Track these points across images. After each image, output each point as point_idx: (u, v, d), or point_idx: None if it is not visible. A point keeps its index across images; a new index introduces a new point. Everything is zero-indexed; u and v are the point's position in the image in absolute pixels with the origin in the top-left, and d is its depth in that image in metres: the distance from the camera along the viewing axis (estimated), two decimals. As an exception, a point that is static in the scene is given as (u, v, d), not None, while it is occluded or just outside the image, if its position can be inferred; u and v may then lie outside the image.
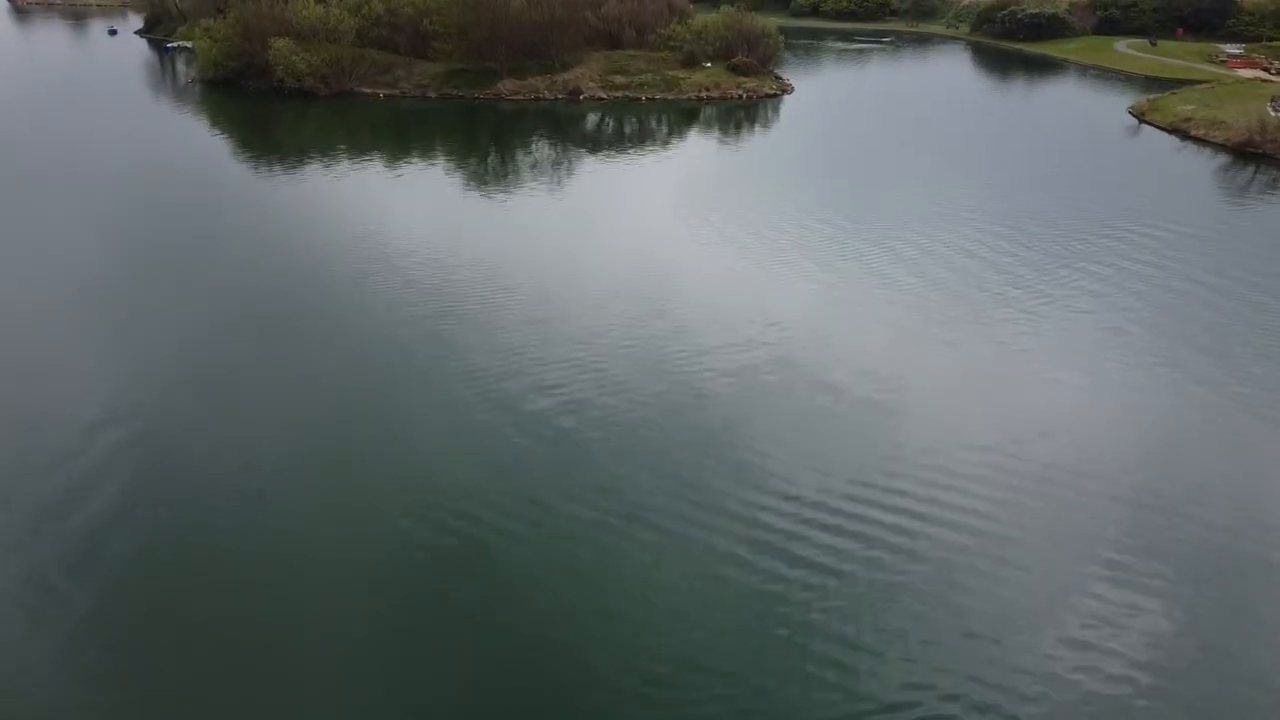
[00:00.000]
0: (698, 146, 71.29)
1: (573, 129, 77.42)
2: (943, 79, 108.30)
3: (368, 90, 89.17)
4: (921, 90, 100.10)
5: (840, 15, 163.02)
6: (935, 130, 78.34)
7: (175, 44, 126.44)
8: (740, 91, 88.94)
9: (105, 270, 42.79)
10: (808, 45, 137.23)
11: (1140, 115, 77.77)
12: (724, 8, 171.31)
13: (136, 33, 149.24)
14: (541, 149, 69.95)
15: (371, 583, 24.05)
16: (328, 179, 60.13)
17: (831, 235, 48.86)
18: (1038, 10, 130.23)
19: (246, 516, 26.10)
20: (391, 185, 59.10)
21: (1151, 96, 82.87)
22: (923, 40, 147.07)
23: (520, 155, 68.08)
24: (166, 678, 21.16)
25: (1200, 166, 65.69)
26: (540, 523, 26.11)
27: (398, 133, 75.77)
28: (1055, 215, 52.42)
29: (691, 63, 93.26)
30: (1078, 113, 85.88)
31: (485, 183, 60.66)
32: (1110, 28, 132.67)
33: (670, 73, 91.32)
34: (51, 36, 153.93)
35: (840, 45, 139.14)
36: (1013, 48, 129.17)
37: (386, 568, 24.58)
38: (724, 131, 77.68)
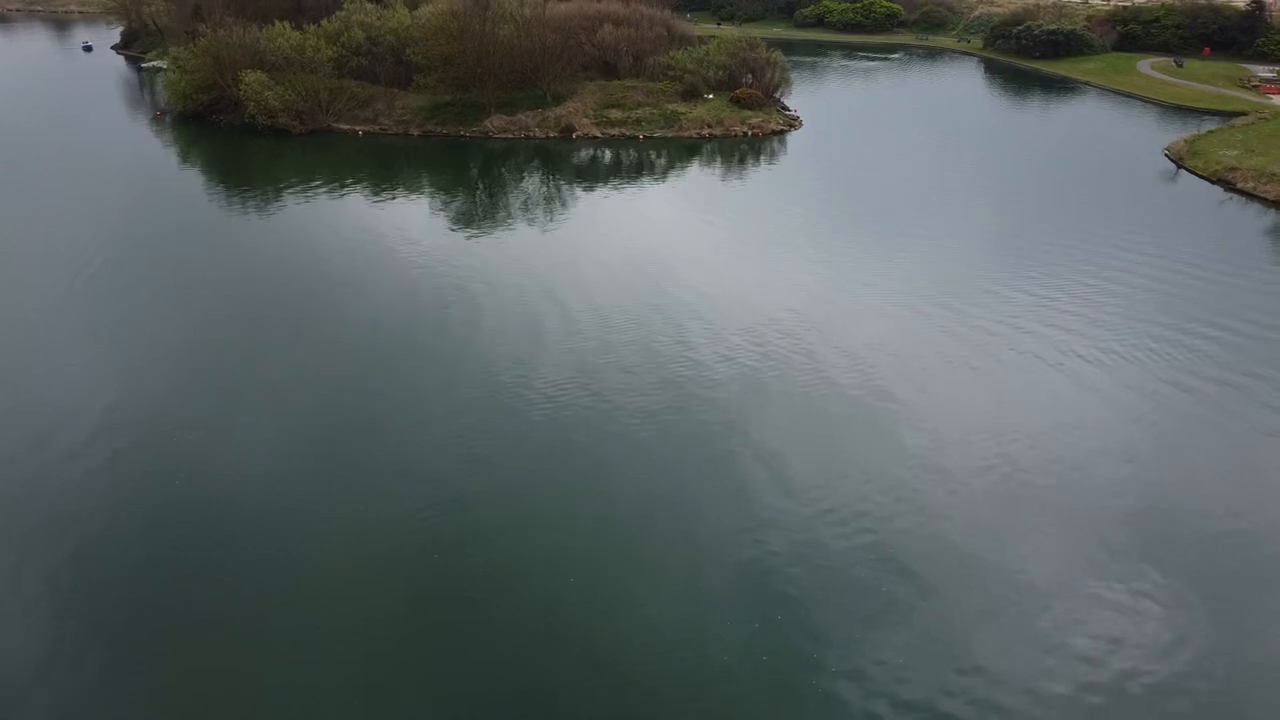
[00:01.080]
0: (698, 197, 65.32)
1: (564, 177, 71.46)
2: (958, 107, 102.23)
3: (345, 126, 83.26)
4: (935, 121, 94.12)
5: (846, 27, 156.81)
6: (953, 172, 72.54)
7: (150, 64, 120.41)
8: (744, 128, 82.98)
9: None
10: (812, 63, 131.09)
11: (1179, 161, 71.81)
12: (725, 25, 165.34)
13: (113, 48, 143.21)
14: (533, 201, 64.00)
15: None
16: (298, 232, 55.96)
17: (848, 290, 47.14)
18: (1055, 26, 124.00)
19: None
20: (373, 237, 54.05)
21: (1188, 136, 76.91)
22: (933, 55, 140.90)
23: (514, 210, 62.11)
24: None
25: (1249, 226, 59.93)
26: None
27: (376, 177, 69.66)
28: (1094, 283, 48.41)
29: (692, 95, 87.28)
30: (1108, 151, 79.94)
31: (475, 232, 55.02)
32: (1131, 44, 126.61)
33: (669, 106, 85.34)
34: (24, 50, 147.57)
35: (846, 63, 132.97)
36: (1029, 66, 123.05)
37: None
38: (726, 175, 71.68)
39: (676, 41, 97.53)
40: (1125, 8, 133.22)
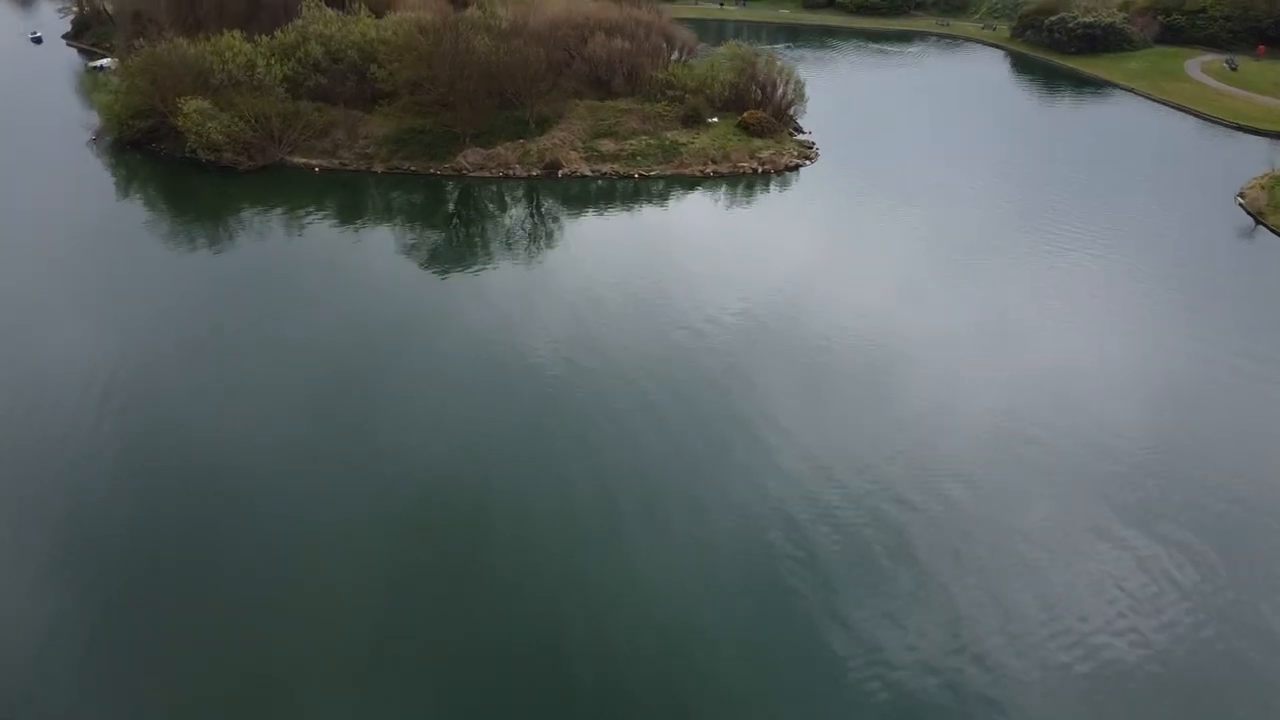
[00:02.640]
0: (699, 250, 55.83)
1: (550, 239, 61.90)
2: (988, 121, 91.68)
3: (301, 160, 73.25)
4: (964, 139, 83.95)
5: (860, 10, 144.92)
6: (993, 208, 63.27)
7: (97, 64, 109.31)
8: (753, 163, 72.90)
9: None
10: (823, 58, 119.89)
11: (1258, 215, 62.10)
12: (728, 6, 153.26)
13: (64, 37, 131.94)
14: (522, 265, 54.67)
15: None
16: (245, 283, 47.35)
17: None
18: (1092, 19, 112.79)
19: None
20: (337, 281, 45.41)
21: (1264, 179, 66.89)
22: (955, 46, 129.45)
23: (502, 273, 52.87)
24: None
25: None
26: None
27: (337, 220, 60.18)
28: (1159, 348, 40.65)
29: (694, 120, 77.14)
30: (1168, 188, 70.20)
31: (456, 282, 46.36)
32: (1175, 37, 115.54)
33: (669, 135, 75.25)
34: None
35: (860, 58, 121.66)
36: (1063, 65, 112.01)
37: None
38: (729, 225, 62.03)
39: (677, 50, 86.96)
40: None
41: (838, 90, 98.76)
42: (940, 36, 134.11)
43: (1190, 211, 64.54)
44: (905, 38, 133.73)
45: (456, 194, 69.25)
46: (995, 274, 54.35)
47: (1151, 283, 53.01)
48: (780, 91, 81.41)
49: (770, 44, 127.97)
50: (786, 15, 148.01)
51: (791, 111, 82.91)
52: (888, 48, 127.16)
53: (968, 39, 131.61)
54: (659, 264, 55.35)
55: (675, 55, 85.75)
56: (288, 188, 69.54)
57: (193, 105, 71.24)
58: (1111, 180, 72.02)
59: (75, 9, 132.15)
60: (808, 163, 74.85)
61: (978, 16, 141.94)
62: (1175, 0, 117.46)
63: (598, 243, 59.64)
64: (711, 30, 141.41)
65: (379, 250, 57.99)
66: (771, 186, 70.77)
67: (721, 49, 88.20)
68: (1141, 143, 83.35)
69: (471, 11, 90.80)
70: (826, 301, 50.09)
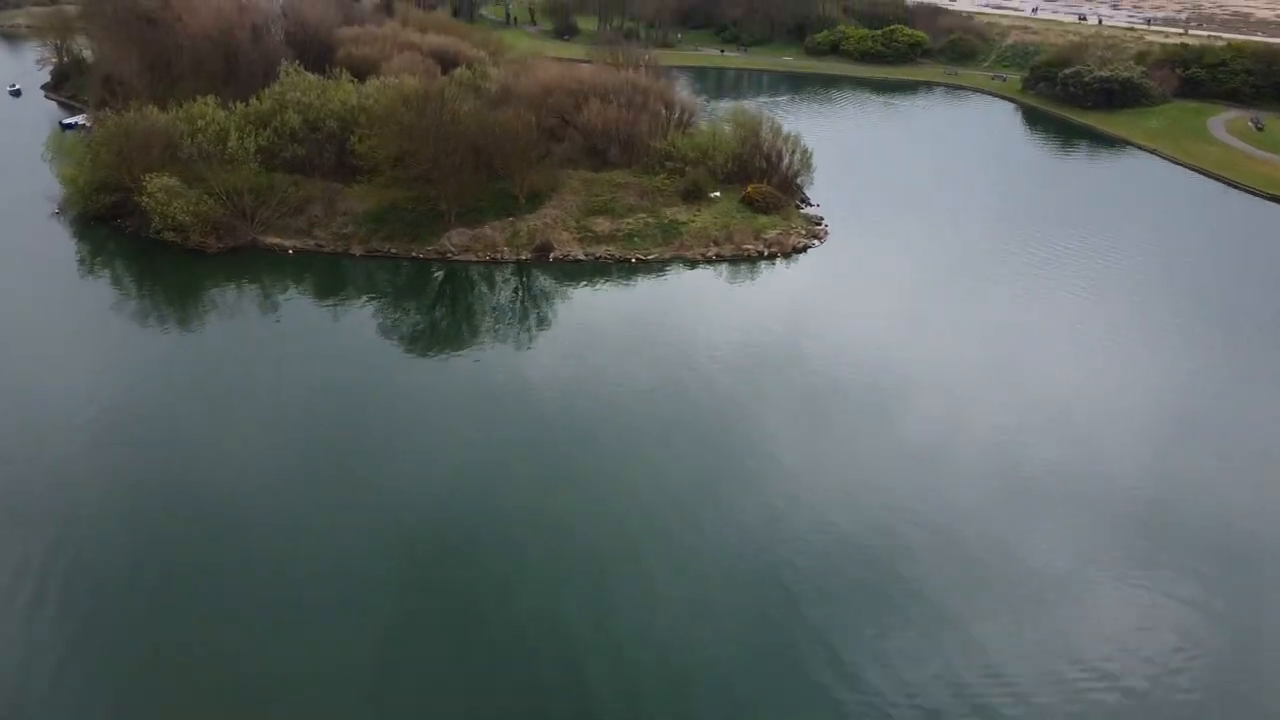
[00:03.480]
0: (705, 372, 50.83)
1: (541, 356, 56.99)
2: (1003, 184, 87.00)
3: (274, 240, 68.23)
4: (979, 209, 79.24)
5: (865, 58, 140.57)
6: (1014, 297, 58.82)
7: (73, 119, 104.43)
8: (759, 245, 67.88)
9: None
10: (825, 112, 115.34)
11: (1311, 312, 57.03)
12: (728, 51, 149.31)
13: (43, 88, 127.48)
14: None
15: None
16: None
17: None
18: (1109, 73, 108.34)
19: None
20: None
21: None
22: (963, 98, 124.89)
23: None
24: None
25: None
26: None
27: (311, 306, 55.34)
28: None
29: (695, 195, 72.21)
30: (1206, 268, 65.70)
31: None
32: (1195, 91, 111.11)
33: (668, 212, 70.33)
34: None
35: (865, 111, 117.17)
36: (1079, 121, 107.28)
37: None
38: (732, 320, 56.99)
39: (678, 115, 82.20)
40: (1185, 46, 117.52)
41: (844, 148, 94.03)
42: (949, 87, 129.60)
43: (1233, 306, 59.75)
44: (911, 88, 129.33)
45: (440, 279, 64.39)
46: (1024, 359, 49.62)
47: (1200, 386, 48.33)
48: (786, 161, 76.72)
49: (772, 94, 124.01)
50: (789, 63, 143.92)
51: (799, 181, 78.16)
52: (894, 99, 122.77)
53: (977, 89, 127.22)
54: (655, 358, 50.75)
55: (675, 116, 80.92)
56: (257, 269, 64.86)
57: (157, 184, 66.41)
58: (1145, 264, 67.12)
59: (53, 60, 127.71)
60: (816, 242, 69.83)
61: (987, 65, 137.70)
62: (1194, 52, 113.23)
63: (590, 337, 55.10)
64: (711, 78, 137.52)
65: (356, 340, 55.04)
66: (778, 270, 65.80)
67: (723, 108, 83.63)
68: (1175, 217, 78.43)
69: (460, 72, 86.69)
70: (847, 399, 45.07)
